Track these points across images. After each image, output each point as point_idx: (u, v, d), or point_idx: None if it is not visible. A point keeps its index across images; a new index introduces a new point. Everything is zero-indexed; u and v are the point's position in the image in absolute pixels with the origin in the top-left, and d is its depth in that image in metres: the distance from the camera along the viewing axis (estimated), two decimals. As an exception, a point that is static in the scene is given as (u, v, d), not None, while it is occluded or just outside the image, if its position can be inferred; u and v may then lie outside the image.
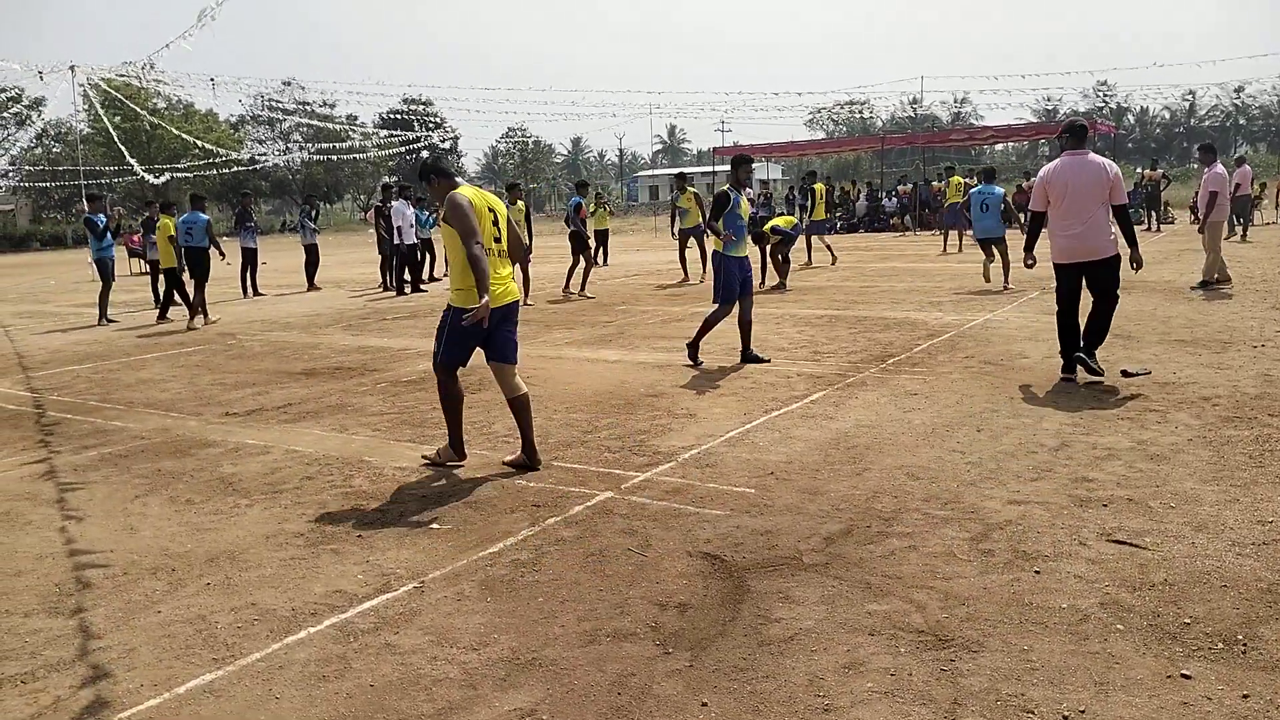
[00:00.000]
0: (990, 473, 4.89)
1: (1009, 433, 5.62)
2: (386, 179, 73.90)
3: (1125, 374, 6.96)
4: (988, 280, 13.48)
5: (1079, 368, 6.93)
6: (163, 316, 14.68)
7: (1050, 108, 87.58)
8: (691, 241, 16.76)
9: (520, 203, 14.16)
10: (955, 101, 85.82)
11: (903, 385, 7.09)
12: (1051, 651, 3.00)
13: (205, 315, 13.85)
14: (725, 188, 8.50)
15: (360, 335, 11.59)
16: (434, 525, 4.51)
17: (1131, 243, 6.98)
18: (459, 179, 5.42)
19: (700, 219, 16.40)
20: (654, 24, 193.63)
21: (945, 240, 21.05)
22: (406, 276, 17.29)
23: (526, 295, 14.19)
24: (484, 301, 4.91)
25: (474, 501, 4.84)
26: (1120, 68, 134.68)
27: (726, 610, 3.45)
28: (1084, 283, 7.00)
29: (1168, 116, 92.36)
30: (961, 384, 7.00)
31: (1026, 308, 10.97)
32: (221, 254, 14.35)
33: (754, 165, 9.01)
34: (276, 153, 69.49)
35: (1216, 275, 11.98)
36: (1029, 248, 7.56)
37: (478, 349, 5.46)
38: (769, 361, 8.36)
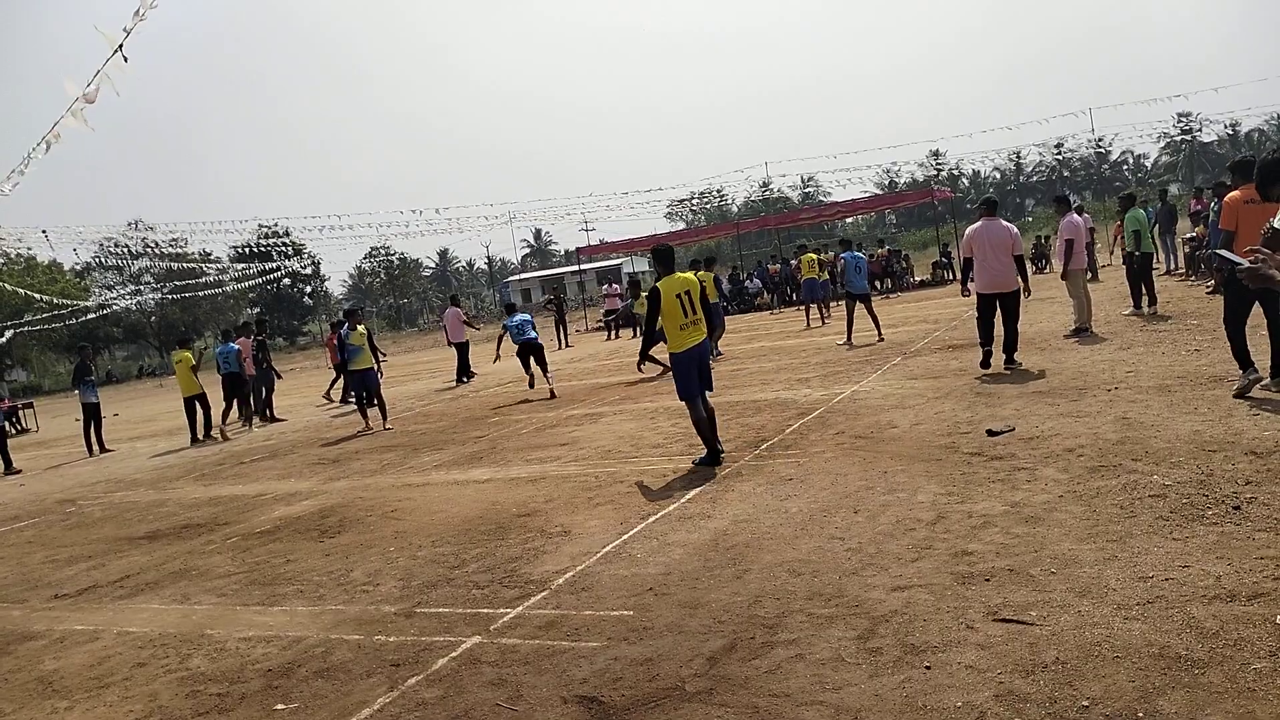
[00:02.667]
0: (871, 558, 4.73)
1: (885, 510, 5.50)
2: (248, 311, 71.78)
3: (990, 433, 7.02)
4: (849, 342, 15.00)
5: (992, 359, 10.26)
6: (207, 436, 16.27)
7: (889, 180, 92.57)
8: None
9: (361, 327, 13.90)
10: (803, 182, 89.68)
11: (777, 471, 6.95)
12: (952, 763, 2.78)
13: (249, 424, 16.75)
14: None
15: (213, 484, 10.82)
16: (279, 706, 4.02)
17: (1024, 278, 10.34)
18: None
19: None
20: (507, 138, 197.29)
21: (808, 315, 21.35)
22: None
23: (385, 419, 13.67)
24: None
25: (326, 669, 4.36)
26: (949, 136, 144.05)
27: (605, 764, 3.11)
28: (996, 306, 10.28)
29: (998, 177, 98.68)
30: (835, 463, 6.91)
31: (890, 376, 11.12)
32: (247, 376, 16.99)
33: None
34: (125, 296, 66.38)
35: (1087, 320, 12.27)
36: (965, 283, 11.65)
37: None
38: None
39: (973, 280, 10.69)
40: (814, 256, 20.98)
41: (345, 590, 5.62)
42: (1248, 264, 3.54)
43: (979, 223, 10.52)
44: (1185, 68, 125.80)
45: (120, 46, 7.54)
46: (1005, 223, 10.52)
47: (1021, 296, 10.33)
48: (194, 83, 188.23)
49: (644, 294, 16.02)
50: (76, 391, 17.33)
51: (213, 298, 68.80)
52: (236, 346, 16.85)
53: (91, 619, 5.93)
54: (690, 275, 7.73)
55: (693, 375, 7.50)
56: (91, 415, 16.85)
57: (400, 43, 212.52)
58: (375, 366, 13.82)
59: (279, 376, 19.19)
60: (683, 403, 7.69)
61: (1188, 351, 9.52)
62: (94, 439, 16.80)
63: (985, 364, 10.22)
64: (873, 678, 3.41)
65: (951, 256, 34.27)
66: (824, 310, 21.19)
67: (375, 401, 13.67)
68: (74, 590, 6.81)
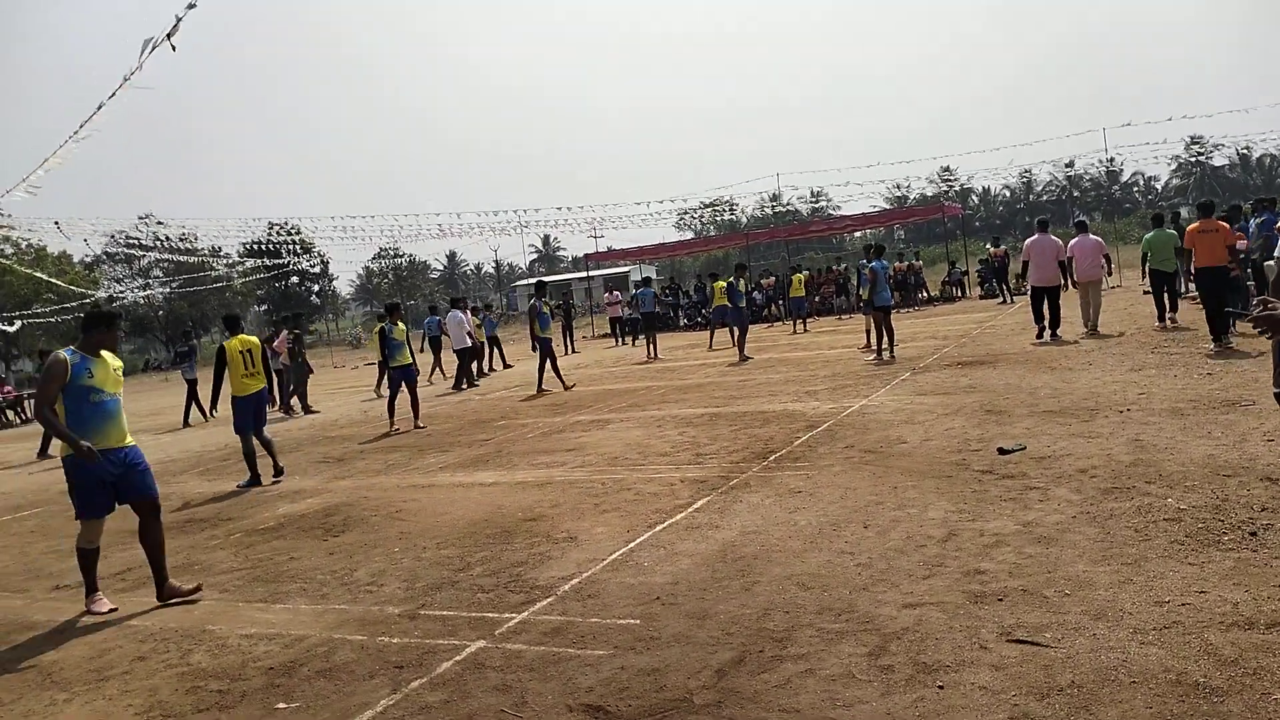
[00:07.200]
0: (881, 574, 4.67)
1: (896, 526, 5.45)
2: (255, 309, 71.68)
3: (1001, 451, 6.96)
4: (880, 356, 14.80)
5: (1047, 334, 14.27)
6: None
7: (900, 195, 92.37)
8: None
9: (401, 324, 13.83)
10: (812, 195, 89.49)
11: (786, 483, 6.90)
12: (966, 785, 2.72)
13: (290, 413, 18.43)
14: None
15: (217, 480, 10.79)
16: (280, 705, 3.98)
17: (1065, 276, 14.63)
18: None
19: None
20: (521, 140, 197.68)
21: (712, 338, 23.08)
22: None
23: (417, 418, 13.60)
24: None
25: (328, 669, 4.32)
26: (959, 153, 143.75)
27: (611, 775, 3.06)
28: (1044, 297, 14.25)
29: (1008, 195, 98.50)
30: (844, 477, 6.86)
31: (899, 390, 11.07)
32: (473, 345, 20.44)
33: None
34: (134, 290, 66.50)
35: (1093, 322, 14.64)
36: (1023, 277, 15.37)
37: None
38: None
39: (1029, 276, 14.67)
40: (724, 284, 22.01)
41: (349, 590, 5.59)
42: (1257, 314, 3.69)
43: (1035, 235, 14.80)
44: (1199, 90, 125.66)
45: (170, 34, 7.60)
46: (1054, 236, 14.86)
47: (1062, 290, 14.34)
48: (207, 80, 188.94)
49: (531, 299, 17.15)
50: (179, 369, 20.77)
51: (220, 293, 68.93)
52: (439, 319, 22.15)
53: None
54: (254, 338, 10.23)
55: (249, 414, 9.75)
56: (190, 390, 19.65)
57: (411, 46, 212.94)
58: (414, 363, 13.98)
59: (311, 370, 20.46)
60: (239, 434, 9.92)
61: (1200, 375, 9.45)
62: (196, 408, 19.50)
63: (1040, 336, 14.25)
64: (885, 696, 3.36)
65: (965, 273, 34.23)
66: (722, 334, 22.73)
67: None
68: (75, 582, 6.76)
